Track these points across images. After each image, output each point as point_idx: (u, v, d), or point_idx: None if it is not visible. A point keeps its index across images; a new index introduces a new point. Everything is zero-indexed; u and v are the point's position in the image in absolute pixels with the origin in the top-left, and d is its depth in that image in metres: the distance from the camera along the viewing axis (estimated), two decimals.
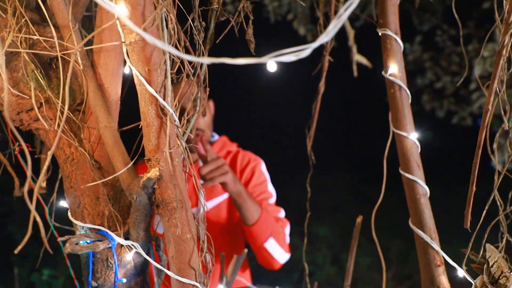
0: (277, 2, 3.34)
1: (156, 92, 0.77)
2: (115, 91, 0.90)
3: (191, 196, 1.63)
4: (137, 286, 0.98)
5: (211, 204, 1.70)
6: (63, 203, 0.97)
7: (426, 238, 0.96)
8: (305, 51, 0.51)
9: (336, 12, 1.34)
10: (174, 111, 0.81)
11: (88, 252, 0.93)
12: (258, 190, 1.77)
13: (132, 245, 0.90)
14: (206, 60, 0.47)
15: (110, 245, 0.89)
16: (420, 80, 3.89)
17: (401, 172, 1.02)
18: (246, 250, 1.25)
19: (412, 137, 1.01)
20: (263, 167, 1.81)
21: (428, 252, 0.97)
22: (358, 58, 2.23)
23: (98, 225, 0.93)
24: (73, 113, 0.93)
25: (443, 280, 0.96)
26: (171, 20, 0.75)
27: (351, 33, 2.19)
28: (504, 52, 0.68)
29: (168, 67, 0.78)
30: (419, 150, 1.03)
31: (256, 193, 1.76)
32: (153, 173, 0.82)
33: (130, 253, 0.91)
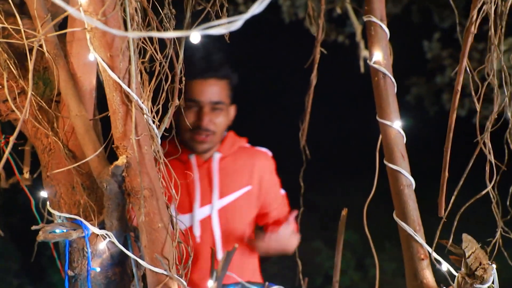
0: (289, 1, 3.33)
1: (120, 78, 0.77)
2: (88, 81, 0.90)
3: (205, 194, 1.65)
4: (115, 276, 0.98)
5: (228, 199, 1.70)
6: (44, 193, 0.98)
7: (409, 230, 0.93)
8: (236, 23, 0.49)
9: None
10: (139, 98, 0.80)
11: (65, 242, 0.93)
12: (271, 194, 1.74)
13: (106, 234, 0.90)
14: (133, 34, 0.47)
15: (83, 234, 0.89)
16: (439, 78, 3.78)
17: (385, 162, 0.99)
18: (236, 245, 1.23)
19: (396, 126, 0.97)
20: (271, 161, 1.78)
21: (412, 245, 0.93)
22: (366, 54, 2.18)
23: (75, 214, 0.93)
24: (50, 103, 0.94)
25: (427, 274, 0.92)
26: (130, 2, 0.75)
27: (358, 28, 2.14)
28: (472, 28, 0.64)
29: (132, 53, 0.78)
30: (404, 140, 0.99)
31: (270, 197, 1.74)
32: (120, 160, 0.82)
33: (103, 242, 0.90)
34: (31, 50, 0.88)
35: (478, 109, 0.90)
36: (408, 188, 0.96)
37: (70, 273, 0.93)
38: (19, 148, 1.07)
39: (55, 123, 0.91)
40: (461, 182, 0.66)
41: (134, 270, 0.99)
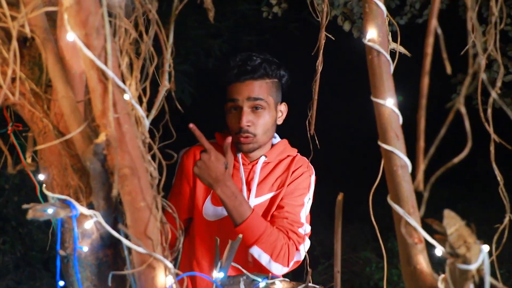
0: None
1: (95, 56, 0.78)
2: (77, 64, 0.92)
3: (247, 191, 1.78)
4: (106, 258, 0.99)
5: (260, 199, 1.78)
6: (41, 176, 1.01)
7: (403, 213, 0.88)
8: None
9: None
10: (117, 76, 0.81)
11: (57, 222, 0.96)
12: (291, 194, 1.77)
13: (94, 214, 0.92)
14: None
15: (71, 214, 0.91)
16: (487, 74, 3.56)
17: (379, 143, 0.94)
18: (240, 236, 1.22)
19: (389, 104, 0.93)
20: (312, 177, 1.85)
21: (405, 229, 0.88)
22: (394, 46, 2.10)
23: (66, 195, 0.95)
24: (46, 88, 0.97)
25: (421, 259, 0.86)
26: None
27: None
28: None
29: (107, 31, 0.79)
30: (400, 120, 0.94)
31: (288, 195, 1.76)
32: (100, 138, 0.83)
33: (89, 222, 0.92)
34: (33, 38, 0.92)
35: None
36: (402, 169, 0.91)
37: (62, 252, 0.95)
38: (23, 134, 1.12)
39: (45, 106, 0.94)
40: (432, 150, 0.61)
41: (125, 253, 1.00)
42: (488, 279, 0.72)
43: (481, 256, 0.71)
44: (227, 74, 1.70)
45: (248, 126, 1.68)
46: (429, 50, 0.62)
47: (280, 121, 1.81)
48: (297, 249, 1.67)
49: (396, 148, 0.91)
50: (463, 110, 0.62)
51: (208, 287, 1.76)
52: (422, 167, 0.70)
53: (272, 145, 1.84)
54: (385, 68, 0.96)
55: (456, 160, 0.61)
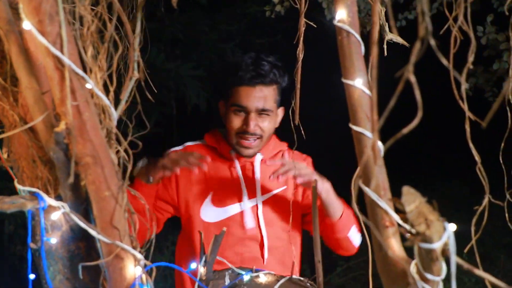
0: None
1: (49, 43, 0.78)
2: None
3: (250, 190, 1.74)
4: (79, 251, 0.98)
5: (267, 196, 1.76)
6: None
7: (373, 195, 0.84)
8: None
9: None
10: (74, 63, 0.80)
11: (28, 214, 0.95)
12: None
13: (62, 206, 0.91)
14: None
15: (38, 206, 0.90)
16: (496, 65, 3.45)
17: (350, 125, 0.91)
18: (224, 229, 1.20)
19: (358, 84, 0.90)
20: (309, 162, 1.85)
21: (376, 212, 0.85)
22: (391, 36, 2.06)
23: (36, 187, 0.95)
24: (16, 81, 0.97)
25: (393, 243, 0.83)
26: None
27: (381, 11, 2.03)
28: None
29: (62, 17, 0.79)
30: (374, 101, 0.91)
31: (310, 197, 1.77)
32: (59, 126, 0.83)
33: (56, 213, 0.91)
34: None
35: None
36: (372, 151, 0.88)
37: (33, 245, 0.95)
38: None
39: (11, 98, 0.94)
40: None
41: (98, 245, 0.99)
42: (454, 259, 0.69)
43: (445, 234, 0.68)
44: (237, 75, 1.66)
45: (255, 129, 1.67)
46: (375, 19, 0.59)
47: (277, 125, 1.79)
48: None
49: (366, 130, 0.88)
50: (412, 79, 0.59)
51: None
52: (376, 138, 0.67)
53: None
54: (355, 49, 0.93)
55: (406, 130, 0.58)
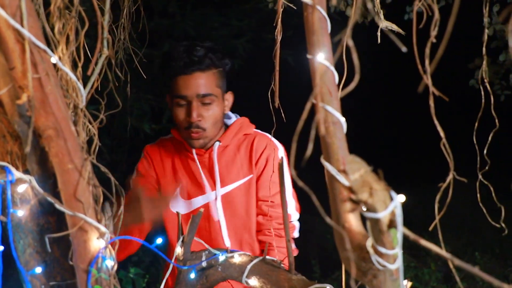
0: None
1: (9, 15, 0.79)
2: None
3: (210, 182, 1.74)
4: (48, 225, 0.99)
5: (229, 188, 1.74)
6: None
7: (331, 169, 0.84)
8: None
9: None
10: (35, 36, 0.82)
11: None
12: (267, 185, 1.73)
13: (29, 179, 0.92)
14: None
15: (6, 179, 0.92)
16: (503, 56, 3.37)
17: (312, 101, 0.91)
18: (202, 210, 1.21)
19: (320, 58, 0.89)
20: (279, 153, 1.78)
21: (335, 187, 0.84)
22: (386, 24, 2.03)
23: (6, 162, 0.96)
24: None
25: (350, 217, 0.82)
26: None
27: None
28: None
29: None
30: (336, 77, 0.90)
31: (264, 187, 1.73)
32: (21, 99, 0.84)
33: (22, 186, 0.93)
34: None
35: None
36: (334, 126, 0.87)
37: (2, 218, 0.96)
38: None
39: None
40: None
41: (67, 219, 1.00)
42: (400, 229, 0.68)
43: (391, 204, 0.67)
44: (172, 65, 1.62)
45: (198, 120, 1.64)
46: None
47: (227, 110, 1.76)
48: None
49: (329, 105, 0.88)
50: (350, 43, 0.58)
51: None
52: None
53: (227, 127, 1.79)
54: (320, 24, 0.92)
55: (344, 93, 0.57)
